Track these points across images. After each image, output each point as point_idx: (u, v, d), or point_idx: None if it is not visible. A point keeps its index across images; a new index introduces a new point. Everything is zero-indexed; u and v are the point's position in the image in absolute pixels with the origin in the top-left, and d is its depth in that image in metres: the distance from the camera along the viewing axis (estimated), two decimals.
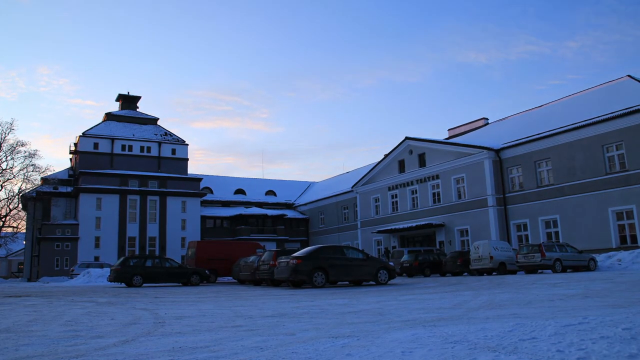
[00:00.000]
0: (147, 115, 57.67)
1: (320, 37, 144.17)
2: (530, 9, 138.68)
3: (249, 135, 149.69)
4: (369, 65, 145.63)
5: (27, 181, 47.51)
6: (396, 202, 42.58)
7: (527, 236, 31.96)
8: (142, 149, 53.43)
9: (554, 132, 30.70)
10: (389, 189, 43.16)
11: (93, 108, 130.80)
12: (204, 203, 55.64)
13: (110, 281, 23.95)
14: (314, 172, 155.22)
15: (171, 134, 56.54)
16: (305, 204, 59.26)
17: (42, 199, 50.12)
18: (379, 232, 42.48)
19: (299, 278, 17.42)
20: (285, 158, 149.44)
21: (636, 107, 26.60)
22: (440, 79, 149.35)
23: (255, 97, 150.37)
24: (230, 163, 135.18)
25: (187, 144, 55.88)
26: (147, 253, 48.20)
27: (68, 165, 57.58)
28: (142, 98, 59.03)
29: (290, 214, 58.53)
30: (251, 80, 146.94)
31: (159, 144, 54.42)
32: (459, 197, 36.49)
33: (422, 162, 39.88)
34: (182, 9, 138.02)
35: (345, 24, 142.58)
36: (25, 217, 53.43)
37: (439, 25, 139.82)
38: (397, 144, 41.86)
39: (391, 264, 23.87)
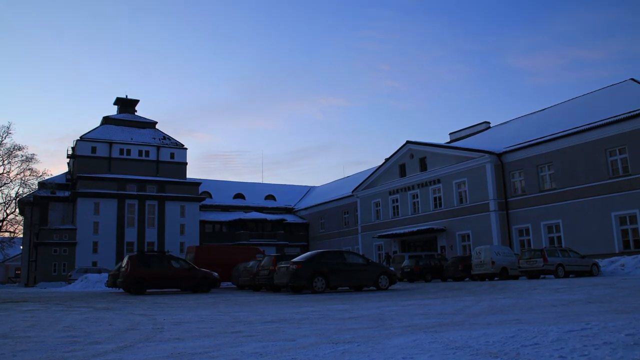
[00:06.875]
0: (146, 119, 57.70)
1: (322, 39, 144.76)
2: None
3: (249, 138, 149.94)
4: (369, 69, 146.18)
5: (24, 185, 47.38)
6: (397, 206, 42.51)
7: (529, 241, 31.81)
8: (140, 153, 53.35)
9: (556, 136, 30.59)
10: (390, 194, 43.11)
11: (91, 112, 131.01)
12: (203, 208, 55.53)
13: (108, 286, 23.86)
14: (314, 177, 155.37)
15: (170, 138, 56.43)
16: (305, 209, 59.20)
17: (40, 204, 50.07)
18: (379, 236, 42.38)
19: (299, 283, 17.33)
20: (285, 162, 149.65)
21: (639, 111, 26.51)
22: (441, 80, 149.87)
23: (255, 98, 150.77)
24: (229, 167, 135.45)
25: (186, 148, 55.88)
26: None
27: (66, 169, 57.53)
28: (140, 102, 59.11)
29: (290, 218, 58.46)
30: (251, 82, 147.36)
31: (158, 148, 54.36)
32: (461, 201, 36.41)
33: (423, 167, 39.83)
34: (182, 10, 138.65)
35: (346, 27, 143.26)
36: (22, 222, 53.30)
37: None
38: (398, 148, 41.89)
39: (392, 269, 23.77)
